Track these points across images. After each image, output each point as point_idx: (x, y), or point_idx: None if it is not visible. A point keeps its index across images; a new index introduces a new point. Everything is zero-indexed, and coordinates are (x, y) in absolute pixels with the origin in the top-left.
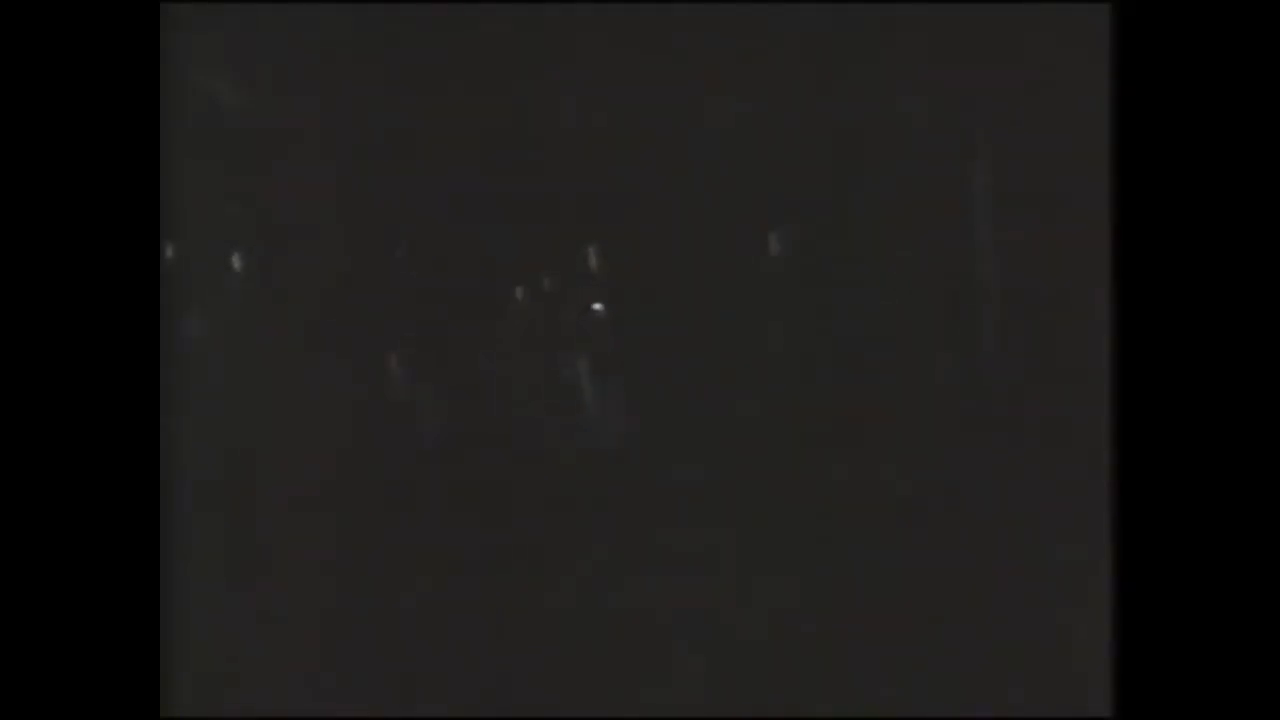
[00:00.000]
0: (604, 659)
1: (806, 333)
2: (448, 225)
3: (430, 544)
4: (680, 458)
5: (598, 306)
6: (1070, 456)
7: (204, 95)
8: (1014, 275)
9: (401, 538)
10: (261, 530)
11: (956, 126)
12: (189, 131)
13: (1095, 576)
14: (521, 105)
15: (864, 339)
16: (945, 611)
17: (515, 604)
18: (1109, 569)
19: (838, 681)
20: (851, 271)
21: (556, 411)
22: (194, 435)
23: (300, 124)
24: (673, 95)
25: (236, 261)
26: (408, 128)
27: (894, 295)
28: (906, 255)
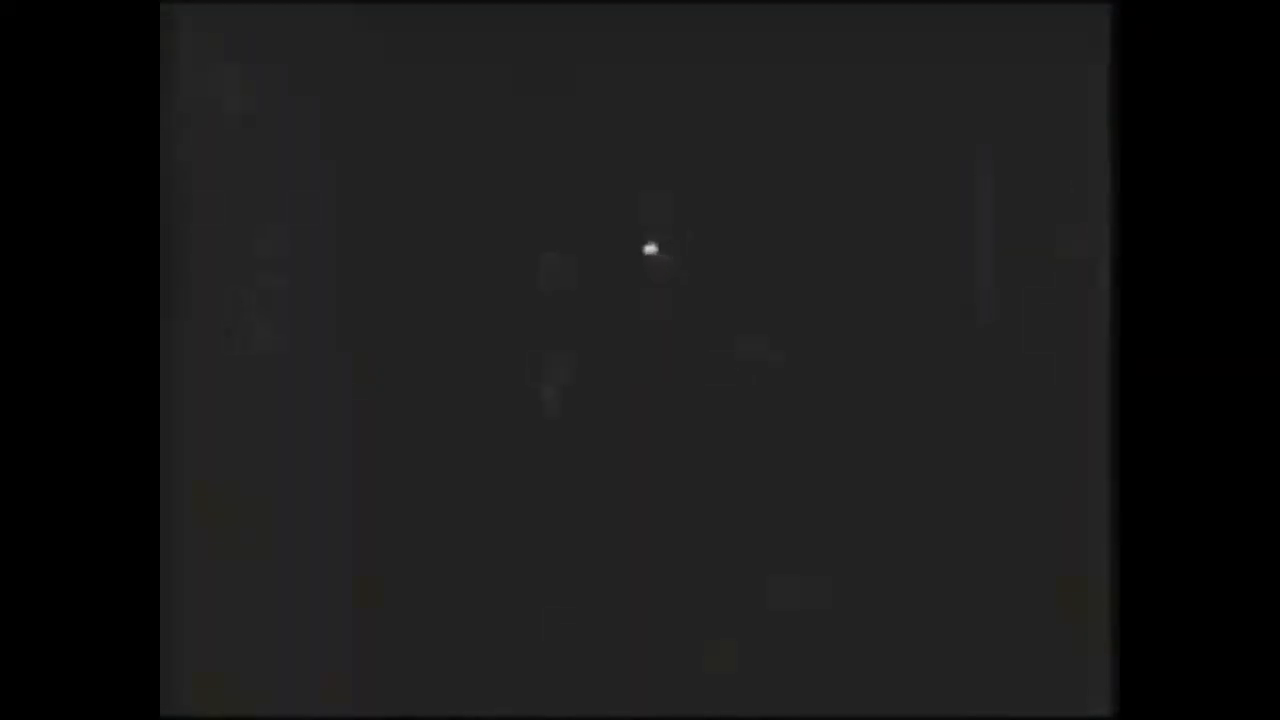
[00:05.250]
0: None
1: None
2: (450, 225)
3: (433, 543)
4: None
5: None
6: (1070, 455)
7: (204, 95)
8: (1013, 276)
9: (405, 537)
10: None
11: (955, 125)
12: (189, 131)
13: (1095, 576)
14: (524, 103)
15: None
16: (943, 610)
17: (520, 606)
18: (1109, 568)
19: (834, 680)
20: (849, 268)
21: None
22: (194, 436)
23: (300, 124)
24: (672, 94)
25: (236, 261)
26: (409, 127)
27: (892, 292)
28: (905, 254)
